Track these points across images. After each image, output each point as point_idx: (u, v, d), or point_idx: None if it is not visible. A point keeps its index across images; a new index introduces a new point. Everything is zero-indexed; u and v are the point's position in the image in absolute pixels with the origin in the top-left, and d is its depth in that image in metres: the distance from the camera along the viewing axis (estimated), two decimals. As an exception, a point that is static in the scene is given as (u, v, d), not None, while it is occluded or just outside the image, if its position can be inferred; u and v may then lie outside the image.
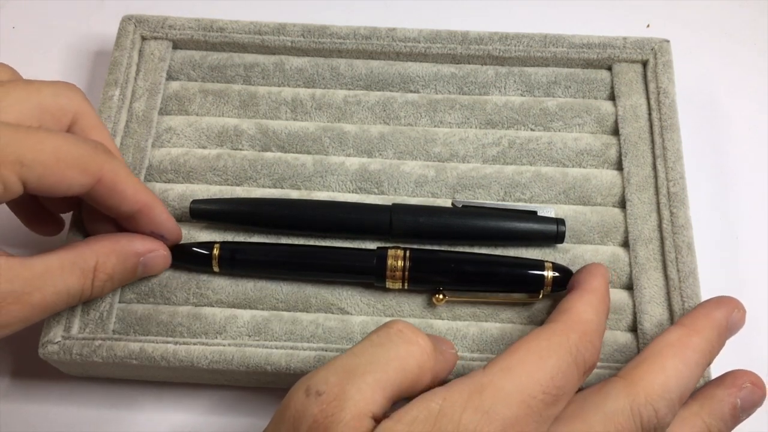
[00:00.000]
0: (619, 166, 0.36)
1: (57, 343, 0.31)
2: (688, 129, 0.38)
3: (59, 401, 0.34)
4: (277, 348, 0.31)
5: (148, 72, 0.38)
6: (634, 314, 0.33)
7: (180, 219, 0.35)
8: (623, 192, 0.35)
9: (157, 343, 0.31)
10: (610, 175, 0.36)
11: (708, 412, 0.28)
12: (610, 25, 0.44)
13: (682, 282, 0.33)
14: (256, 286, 0.34)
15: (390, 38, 0.39)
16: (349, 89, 0.39)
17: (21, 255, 0.28)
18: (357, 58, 0.39)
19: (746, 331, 0.30)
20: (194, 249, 0.33)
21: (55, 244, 0.31)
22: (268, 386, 0.34)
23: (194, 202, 0.34)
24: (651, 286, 0.33)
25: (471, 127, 0.38)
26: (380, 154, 0.37)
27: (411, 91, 0.39)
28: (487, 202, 0.35)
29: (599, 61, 0.39)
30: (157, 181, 0.36)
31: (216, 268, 0.33)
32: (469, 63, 0.39)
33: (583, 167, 0.37)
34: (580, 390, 0.27)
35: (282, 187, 0.36)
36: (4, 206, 0.32)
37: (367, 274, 0.33)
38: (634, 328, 0.33)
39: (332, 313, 0.33)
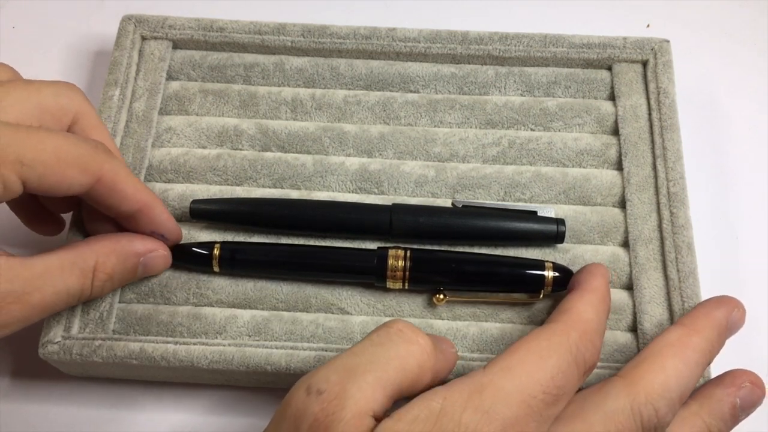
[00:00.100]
0: (619, 166, 0.36)
1: (57, 343, 0.31)
2: (688, 129, 0.38)
3: (59, 401, 0.34)
4: (277, 348, 0.31)
5: (148, 72, 0.38)
6: (634, 314, 0.33)
7: (180, 219, 0.35)
8: (623, 192, 0.35)
9: (157, 343, 0.31)
10: (610, 175, 0.36)
11: (707, 411, 0.28)
12: (610, 25, 0.44)
13: (682, 282, 0.33)
14: (256, 286, 0.34)
15: (390, 38, 0.39)
16: (349, 89, 0.39)
17: (21, 255, 0.28)
18: (357, 58, 0.39)
19: (746, 331, 0.30)
20: (194, 249, 0.33)
21: (55, 244, 0.31)
22: (268, 386, 0.34)
23: (194, 202, 0.34)
24: (651, 286, 0.33)
25: (471, 127, 0.38)
26: (380, 154, 0.37)
27: (411, 91, 0.39)
28: (487, 202, 0.35)
29: (599, 61, 0.39)
30: (157, 181, 0.36)
31: (216, 268, 0.33)
32: (469, 63, 0.39)
33: (583, 167, 0.37)
34: (580, 390, 0.27)
35: (282, 187, 0.36)
36: (4, 206, 0.32)
37: (367, 274, 0.33)
38: (634, 328, 0.33)
39: (332, 313, 0.33)
